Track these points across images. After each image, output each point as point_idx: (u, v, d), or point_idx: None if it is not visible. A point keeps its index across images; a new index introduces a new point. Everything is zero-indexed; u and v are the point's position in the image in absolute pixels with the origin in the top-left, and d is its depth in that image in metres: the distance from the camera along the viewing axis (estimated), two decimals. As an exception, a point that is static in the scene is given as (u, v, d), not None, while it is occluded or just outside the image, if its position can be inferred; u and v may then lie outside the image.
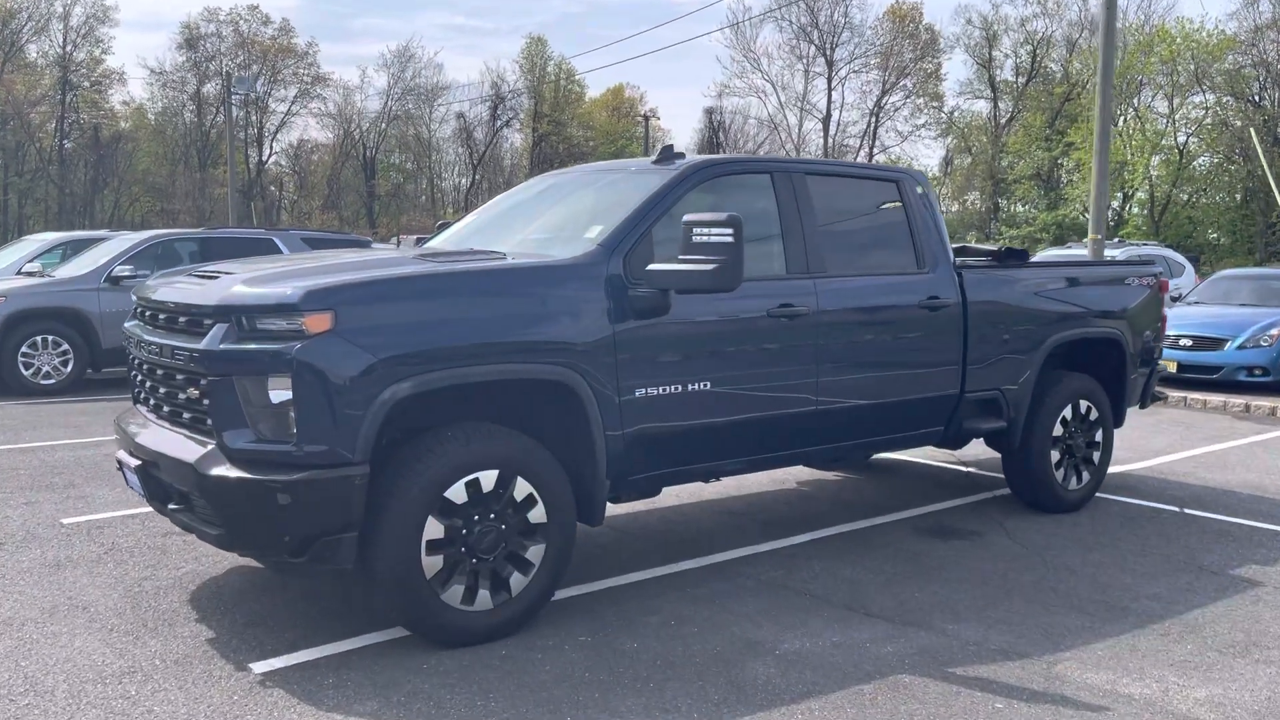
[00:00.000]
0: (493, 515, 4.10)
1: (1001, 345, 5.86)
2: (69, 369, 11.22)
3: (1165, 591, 4.92)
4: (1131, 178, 49.23)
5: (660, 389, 4.53)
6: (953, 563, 5.33)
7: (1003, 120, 57.40)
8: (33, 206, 56.26)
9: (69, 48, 56.20)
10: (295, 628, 4.31)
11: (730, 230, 4.23)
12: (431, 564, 3.97)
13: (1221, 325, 12.09)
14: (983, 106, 59.07)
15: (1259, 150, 28.72)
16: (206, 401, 3.85)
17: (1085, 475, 6.43)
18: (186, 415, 4.06)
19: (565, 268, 4.40)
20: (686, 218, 4.33)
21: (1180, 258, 17.97)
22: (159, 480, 4.10)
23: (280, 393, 3.72)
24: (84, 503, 6.33)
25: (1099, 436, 6.50)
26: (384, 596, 3.96)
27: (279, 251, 11.94)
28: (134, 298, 4.65)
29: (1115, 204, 52.75)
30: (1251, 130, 39.32)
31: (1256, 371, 11.68)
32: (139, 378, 4.51)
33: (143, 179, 58.82)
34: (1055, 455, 6.24)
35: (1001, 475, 7.32)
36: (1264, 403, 10.98)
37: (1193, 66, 47.49)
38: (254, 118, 59.98)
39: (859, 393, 5.27)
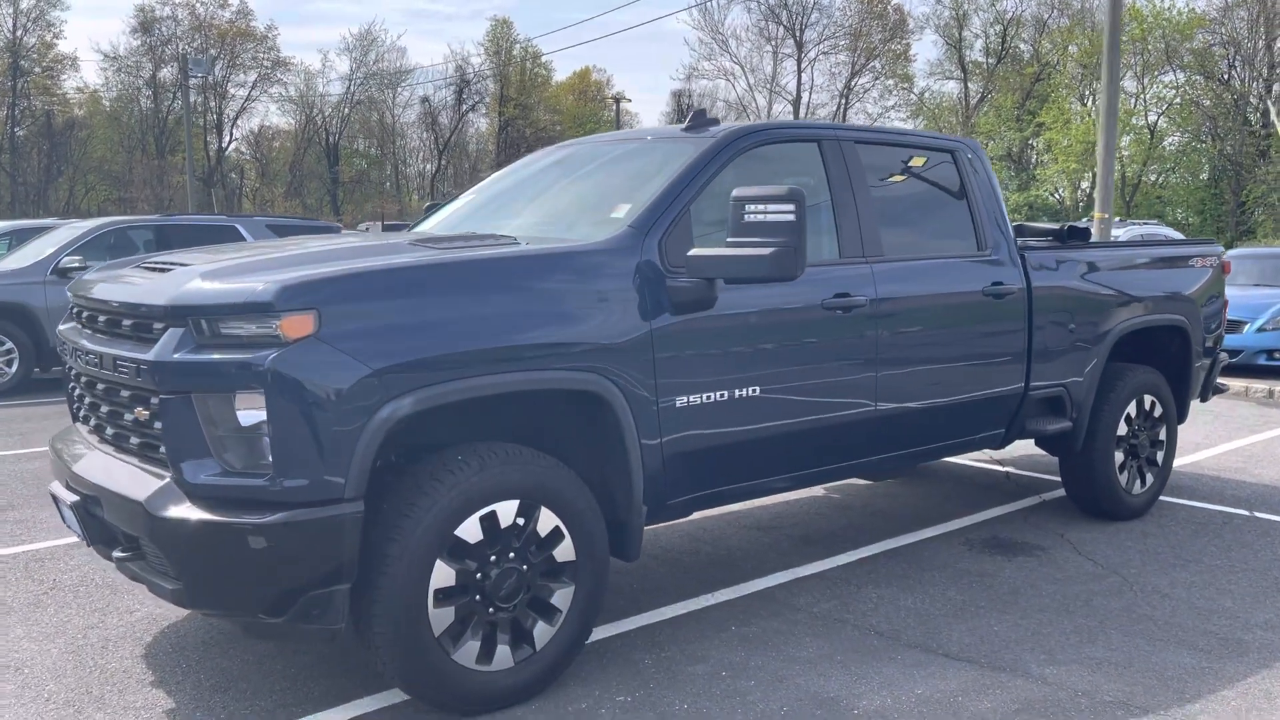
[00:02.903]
0: (512, 555, 3.39)
1: (1067, 336, 5.21)
2: (14, 369, 10.32)
3: (1277, 619, 4.29)
4: (1104, 157, 49.02)
5: (704, 396, 3.83)
6: (1025, 586, 4.68)
7: (973, 101, 57.07)
8: (-16, 196, 54.37)
9: (19, 32, 54.24)
10: (272, 692, 3.57)
11: (791, 207, 3.53)
12: (441, 617, 3.25)
13: (1238, 307, 11.53)
14: (953, 87, 58.75)
15: (1275, 119, 28.65)
16: (158, 424, 3.10)
17: (1149, 478, 5.81)
18: (135, 440, 3.31)
19: (591, 254, 3.67)
20: (737, 193, 3.62)
21: (1180, 237, 17.50)
22: (101, 521, 3.34)
23: (251, 413, 2.98)
24: (24, 529, 5.54)
25: (1163, 435, 5.88)
26: (384, 658, 3.24)
27: (243, 240, 11.08)
28: (69, 295, 3.87)
29: (1085, 184, 52.69)
30: (1269, 101, 39.24)
31: (1277, 355, 11.18)
32: (77, 392, 3.74)
33: (98, 167, 57.07)
34: (1119, 457, 5.61)
35: (1044, 475, 6.75)
36: (1287, 388, 10.47)
37: (1163, 45, 47.34)
38: (213, 103, 58.37)
39: (921, 393, 4.59)
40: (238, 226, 11.34)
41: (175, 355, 3.03)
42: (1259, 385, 10.63)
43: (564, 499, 3.47)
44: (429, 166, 64.04)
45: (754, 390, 3.98)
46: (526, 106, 61.74)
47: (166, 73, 56.74)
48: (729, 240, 3.62)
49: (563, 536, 3.49)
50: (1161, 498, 6.11)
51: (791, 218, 3.53)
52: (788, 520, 5.75)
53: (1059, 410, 5.30)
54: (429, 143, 63.69)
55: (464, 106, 62.31)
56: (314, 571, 3.03)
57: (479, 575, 3.31)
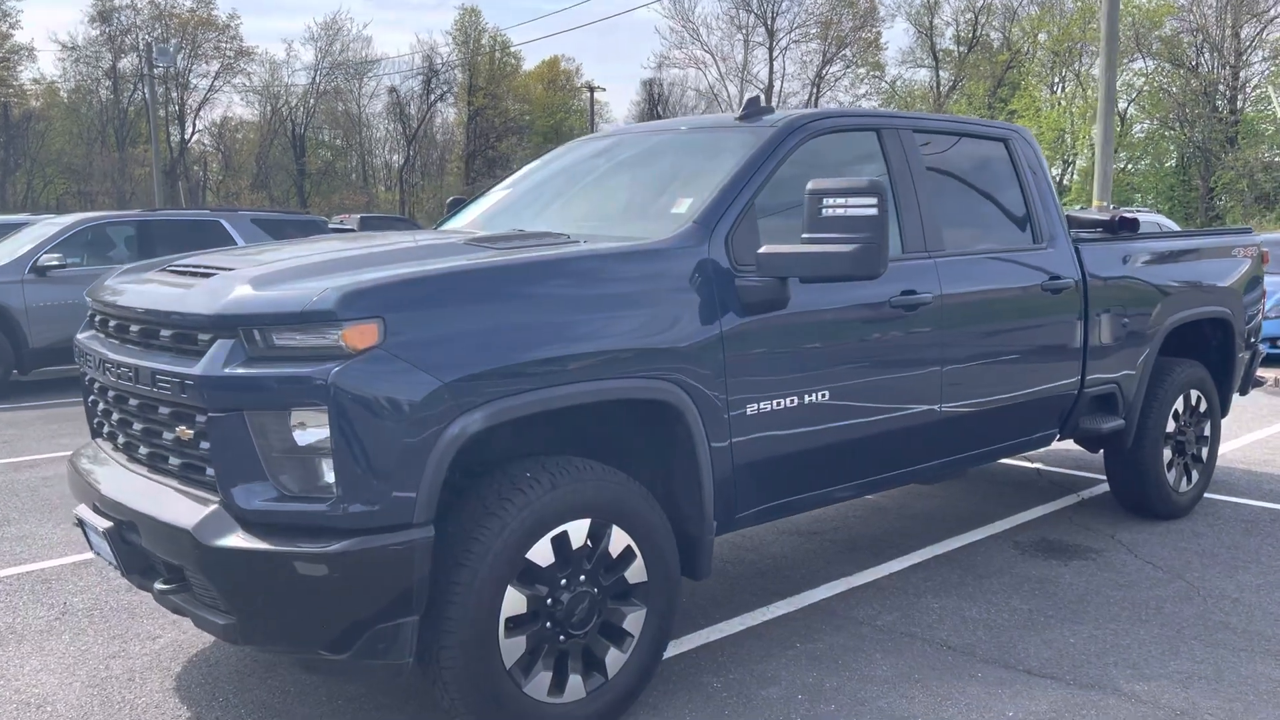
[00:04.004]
0: (583, 578, 3.15)
1: (1121, 331, 5.04)
2: (-9, 372, 9.90)
3: (1356, 623, 4.14)
4: (1074, 144, 49.40)
5: (774, 402, 3.60)
6: (1089, 592, 4.50)
7: (944, 89, 57.18)
8: (-61, 190, 53.00)
9: (-27, 23, 52.90)
10: (323, 729, 3.31)
11: (874, 200, 3.32)
12: (512, 647, 3.01)
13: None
14: (924, 75, 58.90)
15: (1276, 104, 29.50)
16: (205, 445, 2.83)
17: (1195, 475, 5.66)
18: (174, 460, 3.02)
19: (658, 252, 3.43)
20: (813, 185, 3.39)
21: (1173, 224, 17.49)
22: (139, 549, 3.06)
23: (310, 431, 2.72)
24: (24, 545, 5.21)
25: (1207, 430, 5.74)
26: (451, 693, 2.99)
27: (229, 236, 10.70)
28: (89, 301, 3.57)
29: (1056, 171, 53.04)
30: (1270, 86, 39.89)
31: (1279, 343, 11.14)
32: (102, 407, 3.44)
33: (57, 160, 55.80)
34: (1167, 454, 5.45)
35: (1076, 472, 6.60)
36: (1292, 376, 10.42)
37: (1132, 33, 47.65)
38: (174, 94, 57.25)
39: (983, 393, 4.40)
40: (222, 222, 10.95)
41: (225, 370, 2.75)
42: (1266, 374, 10.55)
43: (635, 516, 3.23)
44: (396, 157, 63.30)
45: (824, 394, 3.75)
46: (496, 96, 61.14)
47: (126, 63, 55.64)
48: (804, 236, 3.40)
49: (634, 556, 3.25)
50: (1204, 495, 5.97)
51: (874, 212, 3.32)
52: (828, 525, 5.55)
53: (1111, 408, 5.13)
54: (396, 133, 62.92)
55: (432, 96, 61.60)
56: (381, 603, 2.78)
57: (550, 601, 3.07)
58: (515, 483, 3.02)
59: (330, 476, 2.72)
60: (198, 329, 2.88)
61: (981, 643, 3.97)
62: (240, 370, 2.75)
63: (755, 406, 3.55)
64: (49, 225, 10.85)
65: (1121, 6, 47.06)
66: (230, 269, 3.11)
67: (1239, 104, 46.49)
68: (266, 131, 59.08)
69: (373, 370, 2.71)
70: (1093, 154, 49.65)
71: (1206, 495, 5.99)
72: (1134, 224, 5.40)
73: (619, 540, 3.21)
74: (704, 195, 3.66)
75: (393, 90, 60.84)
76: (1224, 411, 5.95)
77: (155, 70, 44.27)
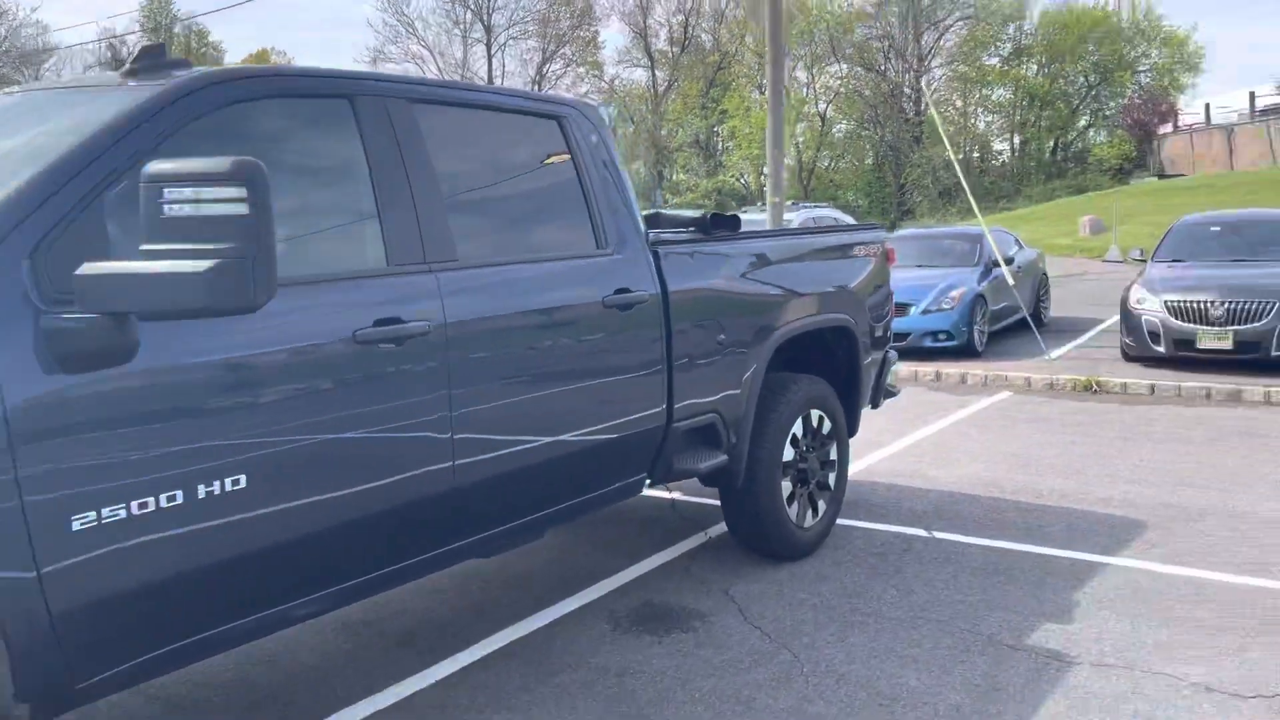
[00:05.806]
0: None
1: (716, 349, 4.18)
2: None
3: (967, 701, 3.43)
4: (785, 144, 51.52)
5: (134, 506, 2.36)
6: (675, 685, 3.57)
7: (661, 89, 58.07)
8: None
9: None
10: None
11: (241, 191, 2.15)
12: None
13: (903, 290, 11.38)
14: (641, 75, 59.55)
15: (930, 104, 32.95)
16: None
17: (821, 505, 4.94)
18: None
19: (-113, 281, 2.10)
20: (151, 168, 2.18)
21: (850, 220, 17.77)
22: None
23: None
24: None
25: (833, 454, 5.04)
26: None
27: None
28: None
29: (768, 169, 55.22)
30: (923, 83, 43.26)
31: (941, 336, 11.10)
32: None
33: None
34: (787, 486, 4.68)
35: (711, 500, 5.79)
36: (952, 369, 10.36)
37: (827, 38, 50.29)
38: None
39: (524, 444, 3.35)
40: None
41: None
42: (925, 368, 10.46)
43: None
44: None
45: (237, 482, 2.55)
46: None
47: None
48: (143, 248, 2.18)
49: None
50: (838, 521, 5.29)
51: (243, 209, 2.15)
52: (389, 610, 4.36)
53: (713, 441, 4.27)
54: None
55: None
56: None
57: None
58: None
59: None
60: None
61: (507, 794, 2.92)
62: None
63: (93, 516, 2.29)
64: None
65: (816, 12, 49.72)
66: None
67: (922, 105, 50.01)
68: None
69: None
70: (798, 152, 52.19)
71: (841, 521, 5.32)
72: (733, 222, 4.57)
73: None
74: (7, 191, 2.35)
75: (67, 82, 54.58)
76: (853, 430, 5.29)
77: None
